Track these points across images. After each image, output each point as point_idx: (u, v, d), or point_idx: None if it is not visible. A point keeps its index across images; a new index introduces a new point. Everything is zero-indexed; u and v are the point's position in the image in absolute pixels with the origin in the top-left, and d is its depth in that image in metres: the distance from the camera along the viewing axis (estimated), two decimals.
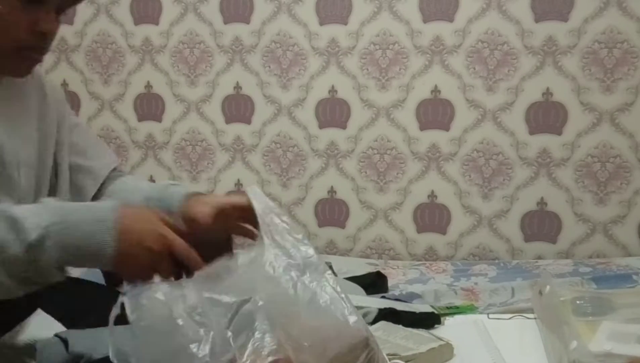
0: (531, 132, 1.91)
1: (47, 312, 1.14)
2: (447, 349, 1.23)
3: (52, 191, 1.17)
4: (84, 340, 1.06)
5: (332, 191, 2.08)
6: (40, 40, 1.01)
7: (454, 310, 1.47)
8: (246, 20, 2.07)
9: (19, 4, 0.98)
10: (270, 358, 0.81)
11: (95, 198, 1.22)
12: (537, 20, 1.87)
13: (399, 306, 1.42)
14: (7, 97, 1.08)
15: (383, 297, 1.51)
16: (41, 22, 0.99)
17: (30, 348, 1.09)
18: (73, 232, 0.87)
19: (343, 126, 2.04)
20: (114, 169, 1.28)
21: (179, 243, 0.90)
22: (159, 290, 0.87)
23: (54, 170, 1.18)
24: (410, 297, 1.56)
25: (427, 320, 1.38)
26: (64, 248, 0.86)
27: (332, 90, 2.03)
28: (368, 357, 0.90)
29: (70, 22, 2.19)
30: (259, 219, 0.89)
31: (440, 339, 1.24)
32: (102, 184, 1.23)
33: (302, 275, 0.88)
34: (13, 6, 0.97)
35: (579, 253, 1.92)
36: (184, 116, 2.17)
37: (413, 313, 1.38)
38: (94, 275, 1.25)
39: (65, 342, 1.06)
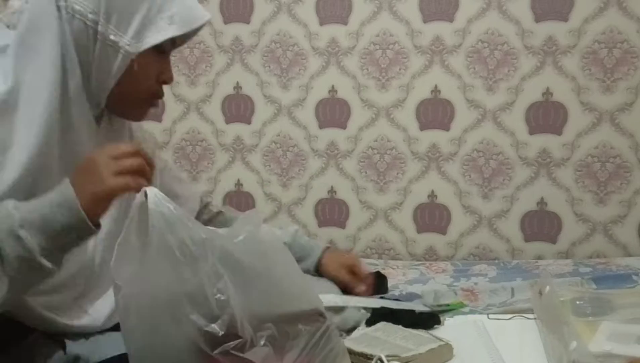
0: (531, 133, 1.91)
1: None
2: (446, 350, 1.23)
3: None
4: (82, 343, 1.06)
5: (332, 191, 2.08)
6: (162, 88, 1.13)
7: (445, 308, 1.47)
8: (246, 20, 2.07)
9: (153, 57, 1.08)
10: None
11: None
12: (537, 20, 1.87)
13: (396, 306, 1.42)
14: (105, 135, 1.13)
15: (382, 298, 1.51)
16: (166, 72, 1.12)
17: None
18: (38, 211, 0.91)
19: (343, 126, 2.04)
20: (206, 204, 1.48)
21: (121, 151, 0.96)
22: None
23: None
24: (410, 297, 1.55)
25: (427, 321, 1.38)
26: (23, 212, 0.90)
27: (332, 90, 2.03)
28: (322, 333, 0.91)
29: None
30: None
31: (440, 339, 1.24)
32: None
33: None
34: (149, 60, 1.07)
35: (579, 253, 1.92)
36: (184, 116, 2.17)
37: (412, 312, 1.38)
38: None
39: (62, 344, 1.06)
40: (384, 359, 1.09)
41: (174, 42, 1.13)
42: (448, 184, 1.99)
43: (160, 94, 1.13)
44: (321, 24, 2.01)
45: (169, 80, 1.13)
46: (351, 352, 1.17)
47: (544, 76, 1.88)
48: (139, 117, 1.16)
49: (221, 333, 0.84)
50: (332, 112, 2.04)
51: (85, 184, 0.92)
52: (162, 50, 1.10)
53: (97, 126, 1.10)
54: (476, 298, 1.57)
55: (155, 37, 1.05)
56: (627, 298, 1.37)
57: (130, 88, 1.08)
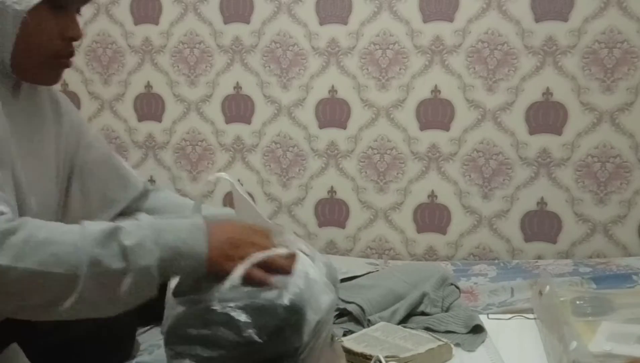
0: (531, 133, 1.91)
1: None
2: (445, 349, 1.23)
3: (61, 214, 1.19)
4: None
5: (332, 191, 2.08)
6: (70, 46, 1.07)
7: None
8: (246, 20, 2.07)
9: (48, 13, 1.03)
10: None
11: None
12: (537, 20, 1.87)
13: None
14: (26, 112, 1.09)
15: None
16: (69, 29, 1.06)
17: None
18: (169, 235, 0.90)
19: (343, 126, 2.04)
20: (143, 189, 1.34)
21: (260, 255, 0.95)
22: None
23: (66, 191, 1.20)
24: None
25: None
26: (162, 249, 0.89)
27: (332, 90, 2.03)
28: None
29: None
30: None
31: (439, 339, 1.24)
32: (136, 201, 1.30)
33: None
34: (44, 17, 1.03)
35: (579, 253, 1.91)
36: (184, 116, 2.17)
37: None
38: None
39: None
40: (382, 359, 1.09)
41: None
42: (448, 184, 1.99)
43: (67, 53, 1.08)
44: (321, 24, 2.01)
45: (76, 36, 1.07)
46: (350, 352, 1.17)
47: (544, 76, 1.88)
48: (51, 80, 1.10)
49: None
50: (332, 112, 2.04)
51: (224, 248, 0.94)
52: (59, 5, 1.05)
53: (13, 99, 1.06)
54: (476, 298, 1.57)
55: None
56: (627, 298, 1.37)
57: (31, 48, 1.03)
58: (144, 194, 1.31)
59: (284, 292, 0.92)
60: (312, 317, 0.93)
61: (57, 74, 1.10)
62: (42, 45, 1.04)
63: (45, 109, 1.15)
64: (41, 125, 1.13)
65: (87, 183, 1.22)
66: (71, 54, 1.08)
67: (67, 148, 1.19)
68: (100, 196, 1.24)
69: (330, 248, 2.09)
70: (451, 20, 1.92)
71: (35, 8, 1.00)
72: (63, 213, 1.19)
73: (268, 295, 0.92)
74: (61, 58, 1.07)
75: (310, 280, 0.95)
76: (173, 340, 0.96)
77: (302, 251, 1.00)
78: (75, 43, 1.08)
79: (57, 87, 2.35)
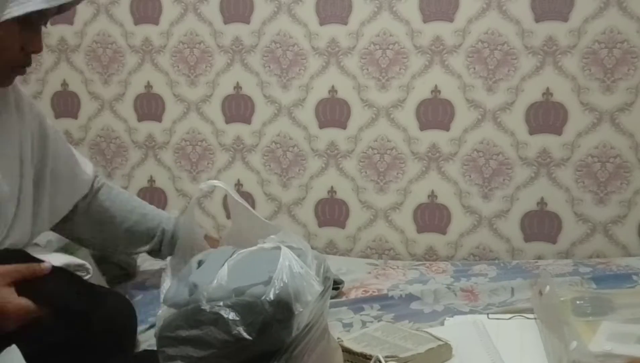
0: (531, 133, 1.91)
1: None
2: (445, 349, 1.23)
3: (33, 216, 1.28)
4: None
5: (332, 191, 2.08)
6: (29, 58, 1.17)
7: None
8: (246, 20, 2.07)
9: (16, 28, 1.11)
10: None
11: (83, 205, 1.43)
12: (537, 20, 1.87)
13: None
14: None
15: None
16: (33, 43, 1.15)
17: None
18: None
19: (343, 126, 2.04)
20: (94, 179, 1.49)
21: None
22: None
23: (34, 196, 1.28)
24: (409, 298, 1.56)
25: None
26: None
27: (332, 90, 2.03)
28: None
29: (70, 22, 2.19)
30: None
31: (439, 339, 1.24)
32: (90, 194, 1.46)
33: None
34: (10, 31, 1.10)
35: (579, 253, 1.91)
36: (184, 116, 2.17)
37: None
38: None
39: None
40: (382, 359, 1.10)
41: (44, 14, 1.15)
42: (448, 184, 1.99)
43: (25, 63, 1.17)
44: (321, 24, 2.01)
45: (36, 50, 1.16)
46: (350, 352, 1.17)
47: (544, 76, 1.88)
48: (4, 84, 1.20)
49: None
50: (332, 112, 2.04)
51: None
52: (29, 22, 1.12)
53: None
54: (476, 298, 1.57)
55: (16, 9, 1.07)
56: (627, 298, 1.37)
57: None
58: (91, 193, 1.46)
59: (269, 287, 0.94)
60: (300, 311, 0.94)
61: (12, 80, 1.20)
62: (2, 56, 1.13)
63: (8, 109, 1.23)
64: (5, 129, 1.21)
65: (45, 189, 1.32)
66: (29, 64, 1.18)
67: (33, 141, 1.27)
68: (51, 205, 1.35)
69: (330, 248, 2.09)
70: (451, 20, 1.92)
71: (5, 23, 1.08)
72: (35, 212, 1.29)
73: (254, 291, 0.94)
74: (17, 67, 1.17)
75: (295, 274, 0.96)
76: (164, 342, 0.98)
77: (291, 246, 1.01)
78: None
79: (57, 87, 2.36)
